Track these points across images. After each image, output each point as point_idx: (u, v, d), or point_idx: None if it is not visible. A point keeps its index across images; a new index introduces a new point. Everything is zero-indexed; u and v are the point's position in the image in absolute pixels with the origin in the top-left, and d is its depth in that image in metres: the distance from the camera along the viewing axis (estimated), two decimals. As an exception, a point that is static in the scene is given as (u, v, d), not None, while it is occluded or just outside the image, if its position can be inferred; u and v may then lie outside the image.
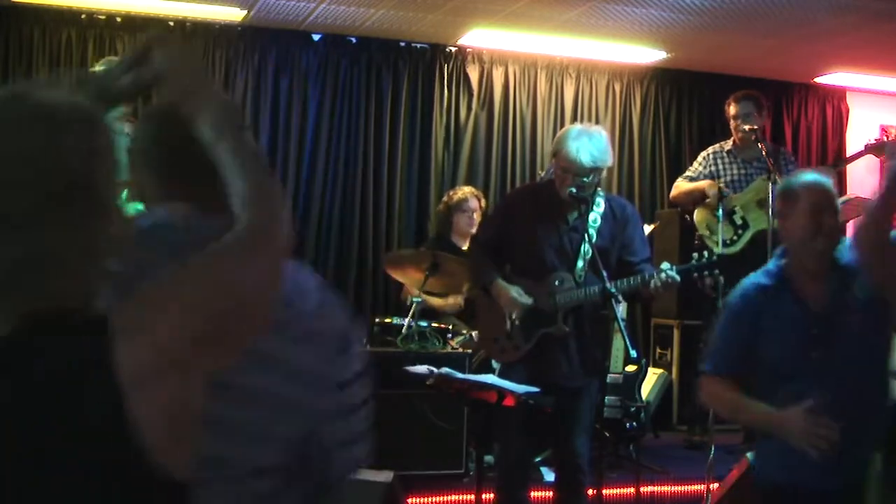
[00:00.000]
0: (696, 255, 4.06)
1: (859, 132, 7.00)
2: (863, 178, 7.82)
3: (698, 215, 5.84)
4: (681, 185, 6.01)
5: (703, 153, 6.06)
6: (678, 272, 3.79)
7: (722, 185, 5.73)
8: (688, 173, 6.05)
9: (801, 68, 7.34)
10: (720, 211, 5.27)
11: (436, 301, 5.61)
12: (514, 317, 3.92)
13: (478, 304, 4.34)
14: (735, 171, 5.85)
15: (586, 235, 3.87)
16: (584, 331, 3.97)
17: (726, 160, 5.92)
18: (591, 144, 3.82)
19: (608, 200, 4.03)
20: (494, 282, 3.95)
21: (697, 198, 5.87)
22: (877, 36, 6.29)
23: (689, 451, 5.79)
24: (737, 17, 6.04)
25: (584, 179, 3.82)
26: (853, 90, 7.92)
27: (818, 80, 7.63)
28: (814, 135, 7.91)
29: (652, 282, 3.79)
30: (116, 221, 1.20)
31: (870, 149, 6.07)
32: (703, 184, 5.82)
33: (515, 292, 3.91)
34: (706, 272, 4.00)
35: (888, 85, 7.67)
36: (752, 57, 6.97)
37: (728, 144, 5.98)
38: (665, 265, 3.84)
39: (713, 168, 5.91)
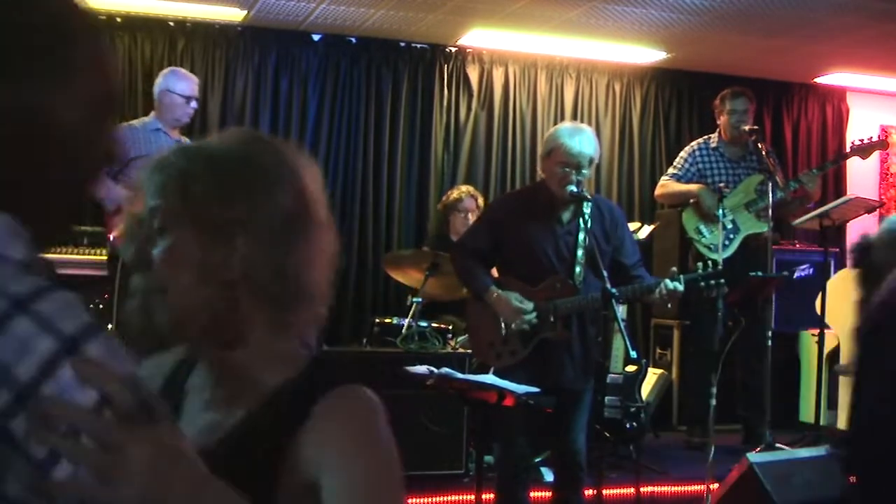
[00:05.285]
0: (700, 264, 4.07)
1: (859, 132, 6.99)
2: (863, 178, 7.83)
3: (686, 218, 5.80)
4: (669, 186, 5.96)
5: (688, 148, 6.02)
6: (683, 282, 3.85)
7: (710, 186, 5.70)
8: (673, 170, 6.00)
9: (801, 68, 7.34)
10: (721, 212, 5.25)
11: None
12: (514, 326, 3.90)
13: (468, 309, 4.25)
14: (722, 171, 5.82)
15: (580, 237, 3.89)
16: (588, 333, 4.00)
17: (712, 158, 5.88)
18: (588, 138, 3.90)
19: (595, 201, 4.03)
20: (489, 289, 3.92)
21: (685, 200, 5.84)
22: (877, 36, 6.29)
23: (689, 451, 5.79)
24: (737, 17, 6.04)
25: (585, 172, 3.87)
26: (853, 90, 7.92)
27: (818, 80, 7.63)
28: (814, 135, 7.90)
29: (657, 291, 3.84)
30: None
31: (855, 150, 6.05)
32: (694, 187, 5.79)
33: (516, 300, 3.88)
34: (711, 282, 4.00)
35: (888, 85, 7.67)
36: (752, 57, 6.97)
37: (714, 140, 5.94)
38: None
39: (700, 166, 5.88)
